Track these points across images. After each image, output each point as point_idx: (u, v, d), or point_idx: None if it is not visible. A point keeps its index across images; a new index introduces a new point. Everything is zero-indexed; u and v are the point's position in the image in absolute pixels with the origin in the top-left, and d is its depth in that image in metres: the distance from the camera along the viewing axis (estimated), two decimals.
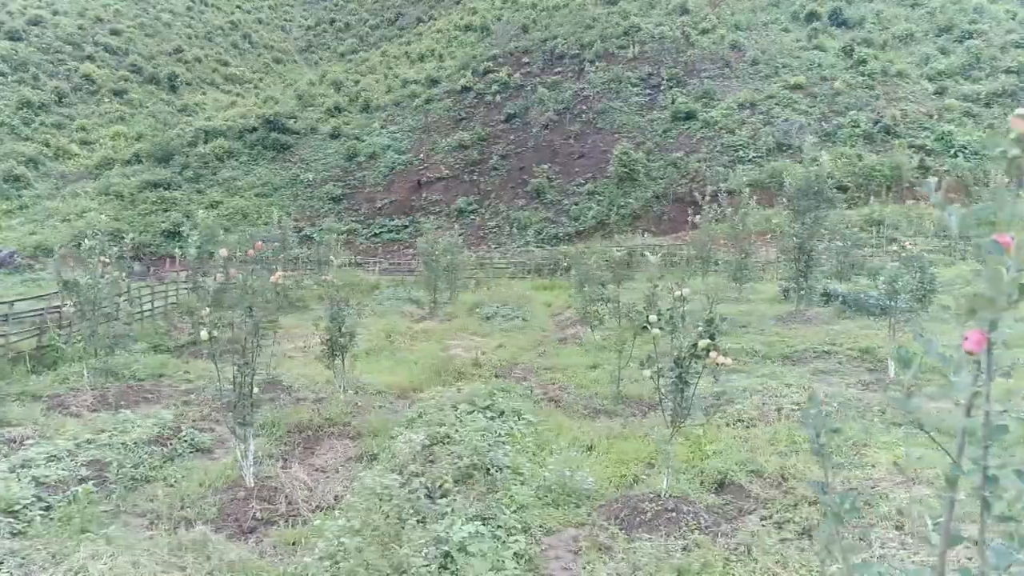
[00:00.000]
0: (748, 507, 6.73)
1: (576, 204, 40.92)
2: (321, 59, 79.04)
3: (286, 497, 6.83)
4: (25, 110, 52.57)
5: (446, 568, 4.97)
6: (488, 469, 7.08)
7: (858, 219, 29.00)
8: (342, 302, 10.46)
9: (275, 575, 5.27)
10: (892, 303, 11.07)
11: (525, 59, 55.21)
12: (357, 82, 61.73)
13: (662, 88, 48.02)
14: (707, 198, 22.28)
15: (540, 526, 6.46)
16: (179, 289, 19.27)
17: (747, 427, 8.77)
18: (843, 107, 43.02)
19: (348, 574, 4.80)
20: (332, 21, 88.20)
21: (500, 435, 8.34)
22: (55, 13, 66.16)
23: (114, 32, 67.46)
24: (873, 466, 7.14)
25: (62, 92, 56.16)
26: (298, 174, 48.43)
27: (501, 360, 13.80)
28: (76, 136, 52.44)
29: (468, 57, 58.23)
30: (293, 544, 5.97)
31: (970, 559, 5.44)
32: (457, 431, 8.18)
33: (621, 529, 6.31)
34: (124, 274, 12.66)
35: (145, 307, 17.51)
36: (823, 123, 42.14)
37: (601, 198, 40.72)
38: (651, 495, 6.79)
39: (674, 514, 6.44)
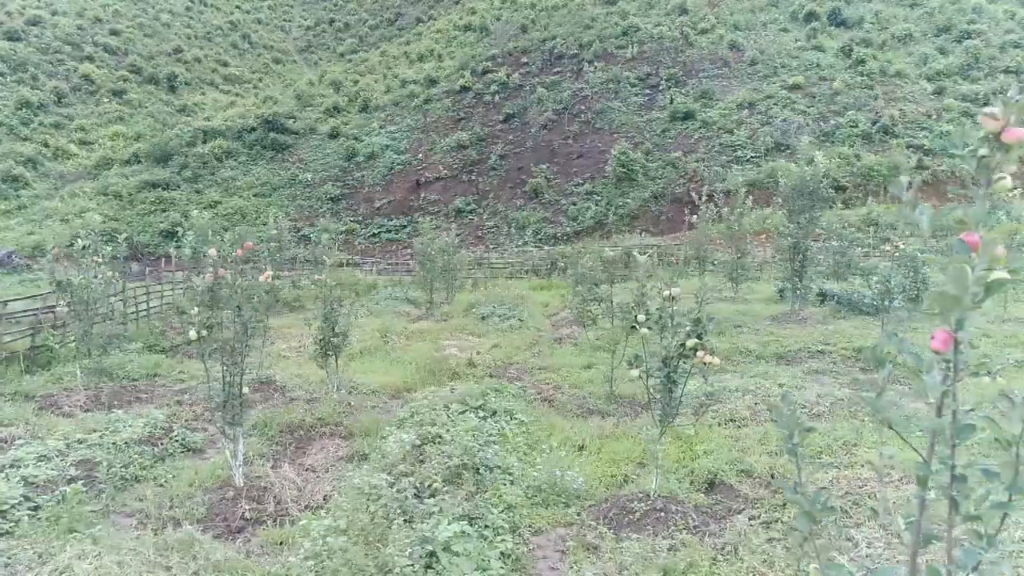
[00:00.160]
0: (737, 507, 6.72)
1: (574, 204, 40.92)
2: (320, 59, 79.07)
3: (275, 497, 6.83)
4: (24, 110, 52.59)
5: (431, 568, 4.97)
6: (477, 469, 7.08)
7: (856, 219, 28.98)
8: (335, 302, 10.46)
9: (260, 575, 5.27)
10: (885, 303, 11.07)
11: (524, 59, 55.22)
12: (356, 82, 61.75)
13: (661, 88, 48.04)
14: (703, 198, 22.28)
15: (529, 526, 6.46)
16: (175, 289, 19.30)
17: (738, 427, 8.78)
18: (841, 107, 43.04)
19: (332, 574, 4.80)
20: (331, 21, 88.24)
21: (491, 435, 8.34)
22: (54, 13, 66.21)
23: (113, 32, 67.52)
24: (863, 466, 7.14)
25: (61, 92, 56.18)
26: (297, 174, 48.44)
27: (496, 360, 13.79)
28: (75, 136, 52.47)
29: (467, 57, 58.24)
30: (281, 544, 5.97)
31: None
32: (448, 431, 8.18)
33: (609, 529, 6.31)
34: (117, 274, 12.66)
35: (141, 307, 17.52)
36: (821, 123, 42.14)
37: (599, 198, 40.72)
38: (640, 495, 6.79)
39: (662, 514, 6.45)
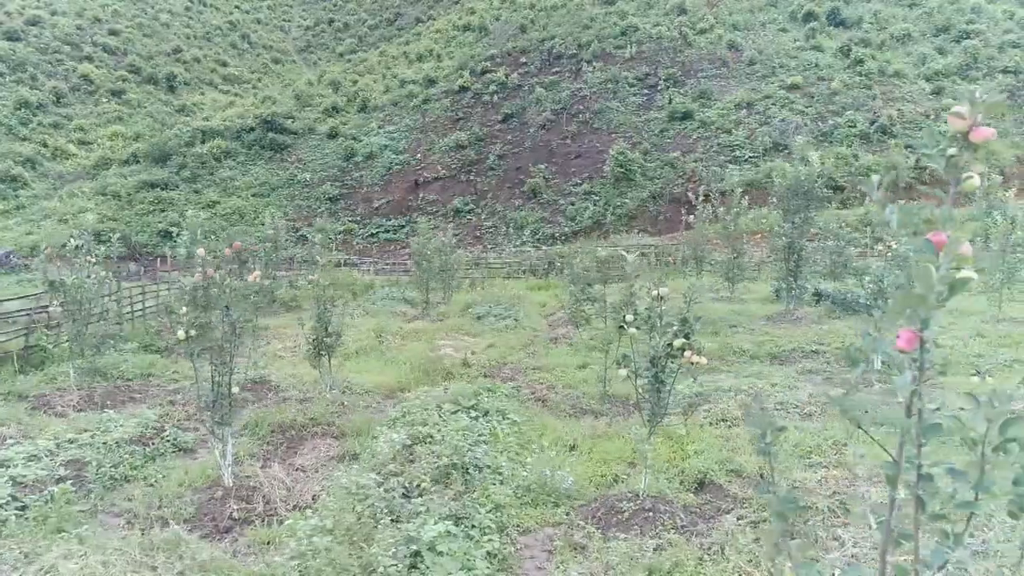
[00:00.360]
0: (726, 506, 6.72)
1: (572, 204, 40.92)
2: (320, 59, 79.08)
3: (264, 497, 6.83)
4: (23, 110, 52.59)
5: (416, 568, 4.97)
6: (466, 468, 7.07)
7: (854, 219, 28.97)
8: (328, 302, 10.46)
9: (246, 575, 5.27)
10: (878, 303, 11.07)
11: (523, 59, 55.22)
12: (355, 82, 61.76)
13: (659, 88, 48.04)
14: (700, 198, 22.29)
15: (517, 526, 6.46)
16: (170, 289, 19.30)
17: (730, 427, 8.77)
18: (840, 107, 43.03)
19: (316, 573, 4.80)
20: (331, 21, 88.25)
21: (482, 435, 8.34)
22: (53, 13, 66.21)
23: (112, 32, 67.52)
24: (861, 465, 7.15)
25: (60, 92, 56.19)
26: (295, 174, 48.44)
27: (491, 360, 13.80)
28: (74, 136, 52.48)
29: (466, 57, 58.24)
30: (268, 544, 5.97)
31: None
32: (439, 431, 8.18)
33: (598, 528, 6.31)
34: (110, 273, 12.66)
35: (136, 307, 17.53)
36: (819, 123, 42.14)
37: (597, 198, 40.72)
38: (629, 494, 6.79)
39: (651, 513, 6.45)
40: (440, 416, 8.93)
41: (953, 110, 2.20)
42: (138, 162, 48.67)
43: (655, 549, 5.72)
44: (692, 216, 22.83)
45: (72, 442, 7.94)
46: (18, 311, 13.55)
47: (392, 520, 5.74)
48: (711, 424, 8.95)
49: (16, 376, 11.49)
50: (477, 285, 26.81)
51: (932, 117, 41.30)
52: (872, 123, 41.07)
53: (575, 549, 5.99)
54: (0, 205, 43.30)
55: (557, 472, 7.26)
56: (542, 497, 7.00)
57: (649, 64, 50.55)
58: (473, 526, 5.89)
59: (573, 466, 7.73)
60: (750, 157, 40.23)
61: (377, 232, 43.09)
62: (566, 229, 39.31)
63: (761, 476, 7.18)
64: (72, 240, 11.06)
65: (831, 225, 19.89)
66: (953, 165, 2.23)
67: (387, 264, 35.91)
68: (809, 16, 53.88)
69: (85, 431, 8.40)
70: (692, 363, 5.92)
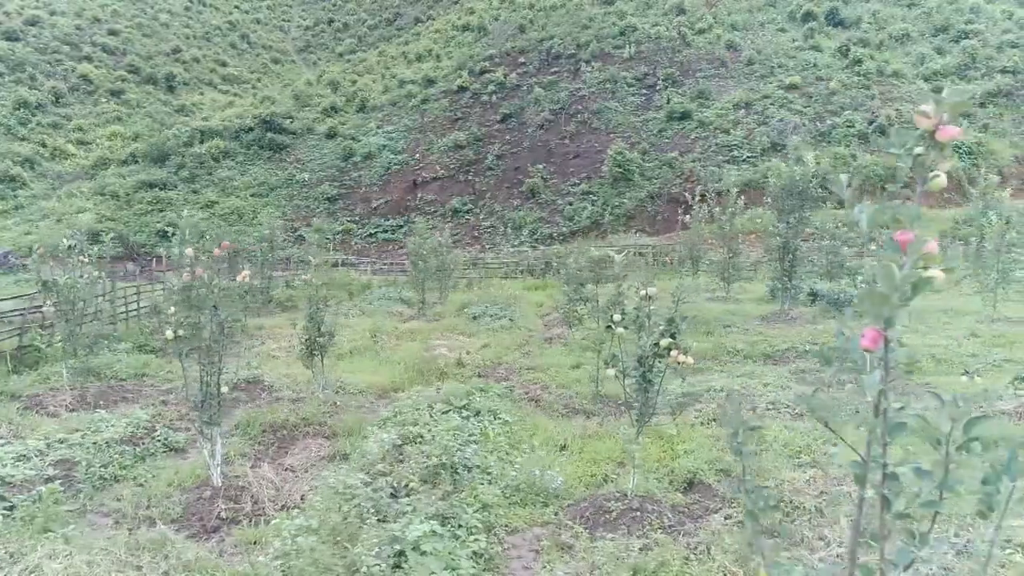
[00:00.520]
0: (714, 506, 6.73)
1: (571, 204, 40.90)
2: (319, 59, 79.07)
3: (252, 497, 6.83)
4: (22, 110, 52.58)
5: (399, 567, 4.97)
6: (455, 468, 7.07)
7: (850, 219, 28.90)
8: (320, 302, 10.46)
9: (230, 574, 5.27)
10: None
11: (521, 59, 55.20)
12: (354, 82, 61.75)
13: (658, 88, 48.02)
14: (696, 198, 22.30)
15: (505, 525, 6.46)
16: (165, 289, 19.31)
17: (720, 427, 8.77)
18: (838, 107, 43.01)
19: (300, 573, 4.80)
20: (330, 21, 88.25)
21: (472, 434, 8.34)
22: (52, 13, 66.20)
23: (112, 32, 67.50)
24: (840, 465, 7.14)
25: (59, 92, 56.18)
26: (294, 174, 48.43)
27: (485, 360, 13.80)
28: (73, 136, 52.45)
29: (465, 57, 58.23)
30: (254, 543, 5.97)
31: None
32: (430, 430, 8.18)
33: (585, 528, 6.31)
34: (103, 273, 12.66)
35: (131, 307, 17.53)
36: (818, 123, 42.13)
37: (595, 198, 40.70)
38: (618, 494, 6.80)
39: (638, 513, 6.45)
40: (431, 416, 8.94)
41: (919, 109, 2.20)
42: (137, 162, 48.66)
43: (641, 549, 5.72)
44: (688, 216, 22.85)
45: (62, 442, 7.94)
46: (12, 311, 13.55)
47: (379, 520, 5.74)
48: (702, 424, 8.96)
49: (9, 376, 11.50)
50: (474, 285, 26.81)
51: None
52: (870, 123, 41.06)
53: (562, 549, 5.99)
54: None
55: (547, 472, 7.27)
56: (531, 497, 7.00)
57: (648, 64, 50.54)
58: (460, 526, 5.89)
59: (563, 466, 7.73)
60: (748, 157, 40.21)
61: (375, 232, 43.08)
62: (564, 229, 39.29)
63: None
64: (65, 240, 11.07)
65: (827, 225, 19.88)
66: (920, 164, 2.23)
67: (385, 264, 35.91)
68: (808, 16, 53.86)
69: (76, 431, 8.41)
70: (679, 363, 5.92)
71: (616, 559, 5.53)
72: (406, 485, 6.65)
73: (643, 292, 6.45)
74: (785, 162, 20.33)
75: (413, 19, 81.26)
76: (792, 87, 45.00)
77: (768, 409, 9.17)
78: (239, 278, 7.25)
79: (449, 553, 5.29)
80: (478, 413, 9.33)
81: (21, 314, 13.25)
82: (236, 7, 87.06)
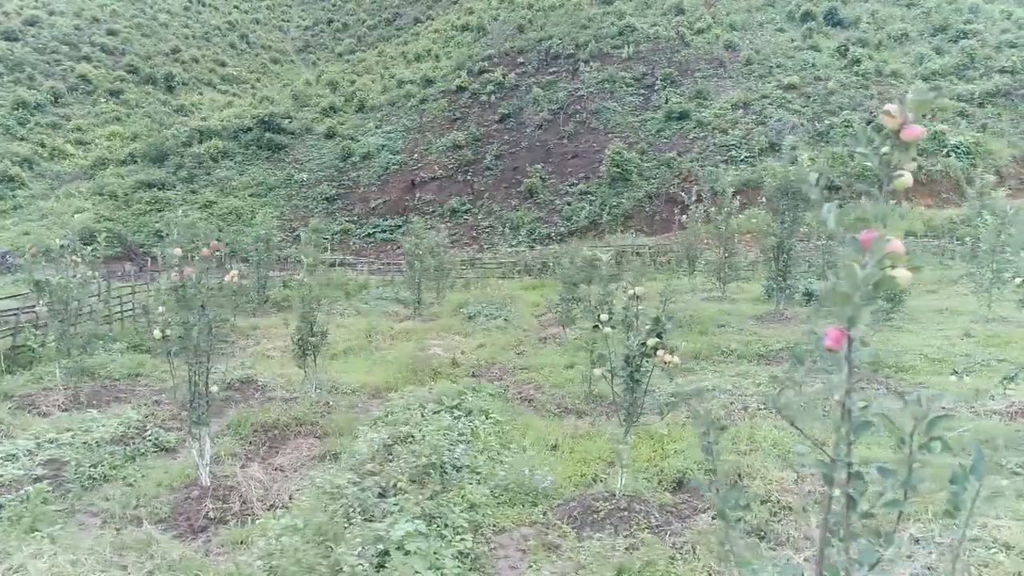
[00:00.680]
0: (702, 506, 6.73)
1: (569, 204, 40.89)
2: (319, 59, 79.07)
3: (241, 496, 6.83)
4: (20, 110, 52.59)
5: (383, 567, 4.97)
6: (444, 468, 7.07)
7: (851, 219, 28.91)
8: (314, 302, 10.47)
9: (215, 574, 5.27)
10: None
11: (520, 59, 55.20)
12: (353, 82, 61.76)
13: (656, 88, 48.01)
14: (692, 198, 22.30)
15: (492, 525, 6.46)
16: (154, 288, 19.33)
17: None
18: (836, 107, 42.98)
19: (283, 572, 4.81)
20: (330, 21, 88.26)
21: (463, 434, 8.34)
22: (51, 13, 66.22)
23: (111, 32, 67.51)
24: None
25: (58, 92, 56.19)
26: (292, 174, 48.43)
27: (480, 360, 13.80)
28: (71, 136, 52.47)
29: (464, 57, 58.23)
30: (241, 543, 5.97)
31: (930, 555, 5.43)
32: (420, 430, 8.18)
33: (573, 528, 6.31)
34: (96, 273, 12.66)
35: (126, 306, 17.52)
36: (816, 123, 42.10)
37: (594, 198, 40.69)
38: (606, 494, 6.80)
39: (626, 513, 6.45)
40: (423, 416, 8.94)
41: (884, 108, 2.20)
42: (135, 162, 48.68)
43: (627, 548, 5.72)
44: (684, 216, 22.83)
45: (52, 442, 7.95)
46: (6, 311, 13.55)
47: (365, 519, 5.74)
48: (693, 424, 8.95)
49: (3, 376, 11.50)
50: (471, 285, 26.81)
51: (928, 117, 41.24)
52: (869, 123, 40.95)
53: (549, 549, 6.00)
54: None
55: (536, 471, 7.27)
56: (520, 496, 7.00)
57: (646, 64, 50.53)
58: (446, 525, 5.89)
59: (554, 465, 7.73)
60: (746, 157, 40.20)
61: (374, 232, 43.07)
62: (562, 229, 39.28)
63: (739, 476, 7.19)
64: (58, 240, 11.07)
65: (824, 225, 19.85)
66: (885, 163, 2.23)
67: (383, 264, 35.91)
68: (806, 16, 53.85)
69: (67, 431, 8.41)
70: (666, 363, 5.92)
71: (602, 558, 5.52)
72: (394, 485, 6.65)
73: (631, 292, 6.46)
74: (780, 162, 20.33)
75: (412, 19, 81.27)
76: (790, 87, 44.99)
77: (760, 409, 9.17)
78: (227, 278, 7.25)
79: (434, 553, 5.30)
80: (469, 413, 9.33)
81: (15, 314, 13.26)
82: (235, 7, 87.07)
